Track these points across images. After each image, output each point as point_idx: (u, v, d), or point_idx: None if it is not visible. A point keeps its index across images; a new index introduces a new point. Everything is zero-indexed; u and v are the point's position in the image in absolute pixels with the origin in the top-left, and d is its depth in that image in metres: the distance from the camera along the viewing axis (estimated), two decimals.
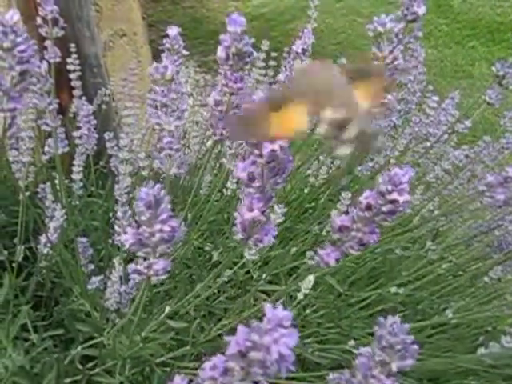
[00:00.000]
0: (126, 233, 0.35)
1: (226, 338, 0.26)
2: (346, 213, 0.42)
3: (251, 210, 0.37)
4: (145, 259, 0.36)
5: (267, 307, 0.25)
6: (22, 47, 0.32)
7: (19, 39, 0.32)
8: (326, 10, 4.83)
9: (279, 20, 4.87)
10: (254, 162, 0.34)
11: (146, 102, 0.58)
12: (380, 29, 0.43)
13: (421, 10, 0.46)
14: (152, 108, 0.46)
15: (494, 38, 4.26)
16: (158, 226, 0.33)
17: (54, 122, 0.56)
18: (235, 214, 0.39)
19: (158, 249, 0.35)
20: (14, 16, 0.31)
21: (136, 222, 0.35)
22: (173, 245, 0.36)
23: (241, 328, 0.25)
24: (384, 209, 0.37)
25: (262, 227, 0.40)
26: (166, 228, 0.33)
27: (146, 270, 0.36)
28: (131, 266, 0.37)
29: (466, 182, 1.55)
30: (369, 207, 0.38)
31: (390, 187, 0.36)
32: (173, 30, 0.51)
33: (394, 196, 0.36)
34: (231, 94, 0.45)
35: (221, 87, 0.45)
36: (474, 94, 3.66)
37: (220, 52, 0.43)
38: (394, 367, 0.35)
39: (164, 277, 0.37)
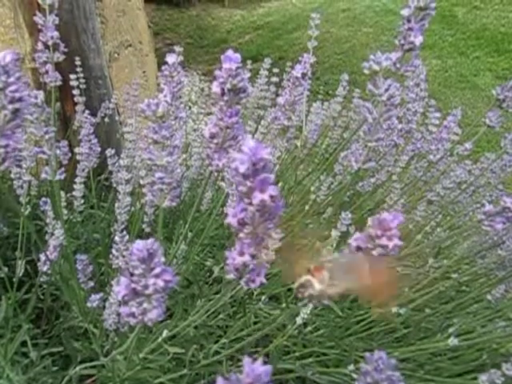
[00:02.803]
0: (118, 284, 0.35)
1: None
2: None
3: (242, 254, 0.37)
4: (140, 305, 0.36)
5: (246, 361, 0.25)
6: (13, 87, 0.33)
7: (11, 79, 0.33)
8: (331, 19, 4.84)
9: (284, 29, 4.89)
10: (244, 209, 0.34)
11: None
12: (375, 67, 0.42)
13: (418, 40, 0.46)
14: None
15: (498, 49, 4.25)
16: (151, 280, 0.33)
17: (50, 150, 0.56)
18: (226, 254, 0.39)
19: (152, 298, 0.35)
20: (6, 56, 0.32)
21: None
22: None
23: (220, 381, 0.25)
24: (374, 252, 0.36)
25: (253, 269, 0.40)
26: (160, 282, 0.33)
27: (140, 317, 0.35)
28: (125, 310, 0.36)
29: (469, 196, 1.54)
30: (359, 249, 0.37)
31: (379, 232, 0.36)
32: (171, 58, 0.51)
33: (384, 241, 0.35)
34: (226, 127, 0.45)
35: (216, 121, 0.45)
36: (478, 104, 3.64)
37: (215, 87, 0.43)
38: None
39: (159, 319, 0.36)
